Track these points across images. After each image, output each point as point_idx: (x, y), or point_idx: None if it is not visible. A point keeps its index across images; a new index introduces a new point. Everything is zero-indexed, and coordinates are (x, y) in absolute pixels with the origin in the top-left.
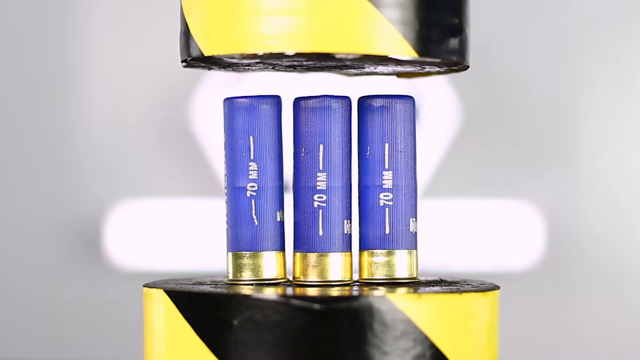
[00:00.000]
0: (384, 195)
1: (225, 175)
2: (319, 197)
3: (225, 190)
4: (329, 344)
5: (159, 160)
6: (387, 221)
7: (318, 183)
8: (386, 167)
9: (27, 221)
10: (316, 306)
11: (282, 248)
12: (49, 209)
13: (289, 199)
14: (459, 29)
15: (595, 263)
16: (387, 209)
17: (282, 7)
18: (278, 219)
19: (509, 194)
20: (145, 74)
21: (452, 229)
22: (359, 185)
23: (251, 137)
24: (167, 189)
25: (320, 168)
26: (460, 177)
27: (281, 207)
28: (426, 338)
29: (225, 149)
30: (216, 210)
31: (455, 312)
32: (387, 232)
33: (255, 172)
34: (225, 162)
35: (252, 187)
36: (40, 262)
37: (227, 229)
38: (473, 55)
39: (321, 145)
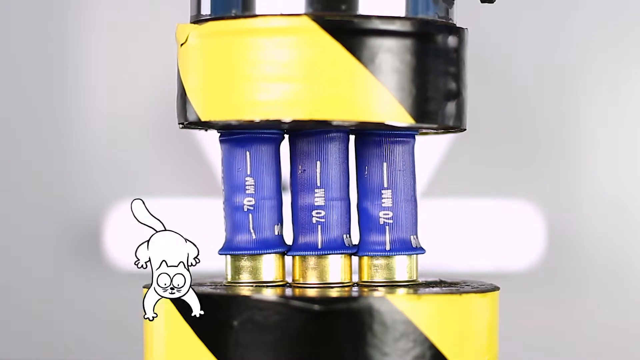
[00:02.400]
0: (384, 214)
1: (223, 190)
2: (317, 213)
3: (223, 206)
4: (328, 344)
5: (159, 160)
6: (387, 239)
7: (316, 199)
8: (385, 185)
9: (27, 221)
10: (316, 307)
11: (281, 253)
12: (49, 209)
13: (287, 202)
14: (456, 94)
15: (595, 263)
16: (387, 227)
17: (278, 74)
18: (276, 233)
19: (509, 194)
20: (146, 74)
21: (452, 229)
22: (358, 204)
23: (247, 153)
24: (167, 189)
25: (318, 184)
26: (460, 177)
27: (279, 221)
28: (426, 339)
29: (222, 165)
30: (216, 210)
31: (455, 313)
32: (388, 248)
33: (252, 187)
34: (222, 176)
35: (249, 201)
36: (40, 262)
37: (225, 237)
38: (473, 55)
39: (318, 162)
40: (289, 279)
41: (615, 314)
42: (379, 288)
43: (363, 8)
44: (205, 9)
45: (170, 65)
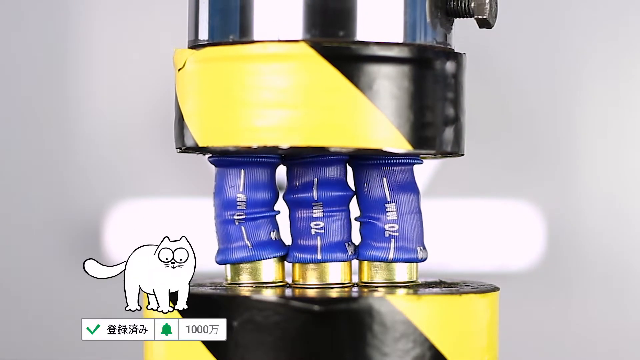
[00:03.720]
0: (390, 227)
1: (214, 205)
2: (315, 225)
3: (215, 221)
4: (328, 345)
5: (159, 160)
6: (392, 249)
7: (314, 211)
8: (388, 199)
9: (27, 221)
10: (316, 307)
11: (281, 256)
12: (49, 209)
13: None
14: (454, 119)
15: (595, 263)
16: (392, 240)
17: (276, 100)
18: (273, 238)
19: (509, 194)
20: (146, 73)
21: (452, 229)
22: (361, 216)
23: (242, 171)
24: (167, 189)
25: (315, 199)
26: (460, 178)
27: (275, 228)
28: (426, 339)
29: (215, 180)
30: None
31: (455, 314)
32: (391, 257)
33: (244, 203)
34: (213, 192)
35: (240, 215)
36: (40, 262)
37: (219, 248)
38: (472, 55)
39: (315, 180)
40: (288, 280)
41: (615, 314)
42: (379, 288)
43: (361, 34)
44: (203, 34)
45: (169, 65)
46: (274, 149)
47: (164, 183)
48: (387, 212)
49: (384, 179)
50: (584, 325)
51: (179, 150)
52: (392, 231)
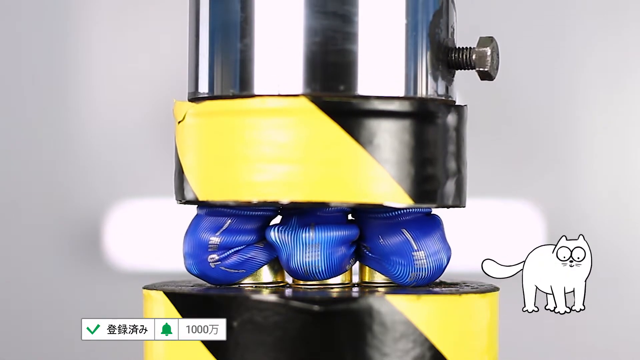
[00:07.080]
0: (416, 274)
1: (183, 245)
2: (313, 267)
3: (184, 259)
4: (328, 345)
5: (159, 160)
6: (409, 282)
7: (308, 253)
8: (415, 248)
9: (27, 221)
10: (315, 307)
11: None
12: (49, 209)
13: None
14: (455, 172)
15: (595, 263)
16: (414, 282)
17: (276, 155)
18: (262, 246)
19: (509, 194)
20: (145, 73)
21: (452, 229)
22: (381, 259)
23: (228, 221)
24: (167, 189)
25: (313, 240)
26: None
27: (257, 238)
28: (426, 339)
29: (191, 221)
30: None
31: (455, 314)
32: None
33: (216, 245)
34: (185, 233)
35: (213, 258)
36: (40, 262)
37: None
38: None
39: (313, 223)
40: (288, 280)
41: (615, 314)
42: (379, 288)
43: (362, 88)
44: (203, 87)
45: (170, 65)
46: (274, 204)
47: (164, 183)
48: (415, 259)
49: (404, 229)
50: (583, 325)
51: (178, 202)
52: (419, 277)
